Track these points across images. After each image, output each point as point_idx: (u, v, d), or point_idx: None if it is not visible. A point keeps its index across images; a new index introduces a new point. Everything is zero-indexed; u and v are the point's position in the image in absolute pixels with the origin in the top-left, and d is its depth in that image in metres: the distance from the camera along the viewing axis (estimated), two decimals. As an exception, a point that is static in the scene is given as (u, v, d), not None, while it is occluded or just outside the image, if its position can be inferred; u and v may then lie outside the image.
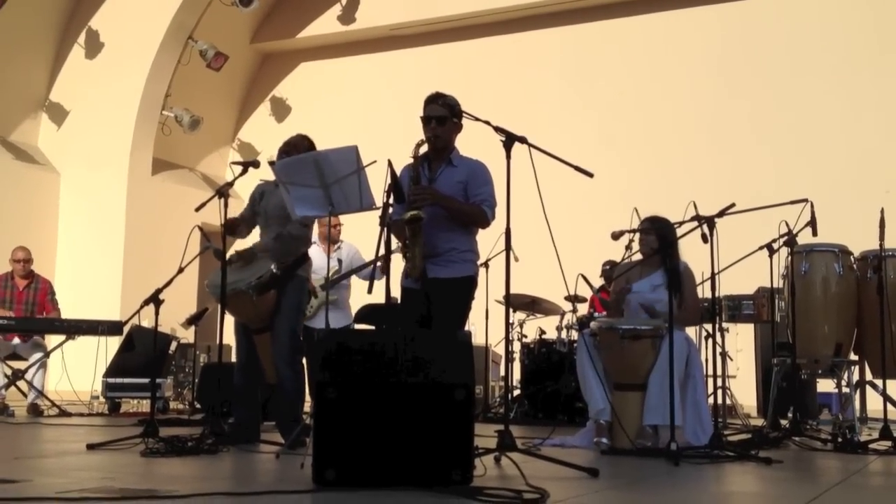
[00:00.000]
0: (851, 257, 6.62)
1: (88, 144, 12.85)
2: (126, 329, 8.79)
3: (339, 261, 7.35)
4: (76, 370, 8.87)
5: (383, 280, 4.64)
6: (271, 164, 5.08)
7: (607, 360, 5.74)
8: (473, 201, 4.78)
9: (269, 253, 5.49)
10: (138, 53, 12.70)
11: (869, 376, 6.77)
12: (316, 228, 6.73)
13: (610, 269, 8.63)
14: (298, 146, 5.46)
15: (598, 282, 8.83)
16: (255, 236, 5.87)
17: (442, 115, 4.75)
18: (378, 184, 4.59)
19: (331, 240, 7.25)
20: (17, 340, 8.65)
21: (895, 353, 6.20)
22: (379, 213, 4.52)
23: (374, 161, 4.71)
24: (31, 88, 12.95)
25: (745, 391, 8.88)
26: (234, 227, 5.57)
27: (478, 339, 8.35)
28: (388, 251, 4.56)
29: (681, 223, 5.65)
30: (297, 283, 5.58)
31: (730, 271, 6.04)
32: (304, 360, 6.21)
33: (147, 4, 12.69)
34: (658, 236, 5.87)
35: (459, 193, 4.79)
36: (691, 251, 5.82)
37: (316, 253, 6.55)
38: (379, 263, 4.77)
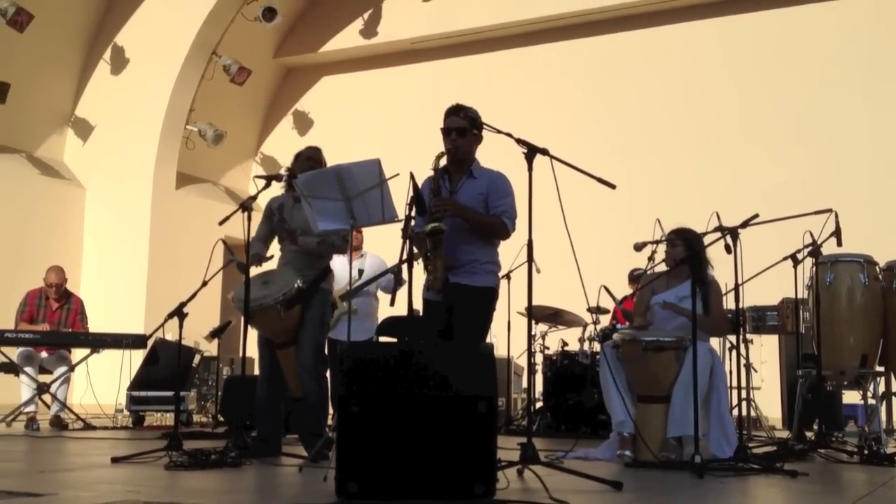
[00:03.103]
0: (877, 267, 6.56)
1: (113, 159, 12.96)
2: (150, 342, 8.84)
3: (360, 271, 7.29)
4: (101, 383, 8.93)
5: (405, 292, 4.63)
6: (293, 177, 5.11)
7: (630, 372, 5.71)
8: (494, 213, 4.77)
9: (306, 256, 5.55)
10: (163, 69, 12.81)
11: (895, 387, 6.71)
12: None
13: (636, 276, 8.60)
14: (320, 160, 5.52)
15: (622, 291, 8.80)
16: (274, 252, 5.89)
17: (462, 127, 4.75)
18: (400, 196, 4.60)
19: (353, 247, 7.24)
20: (44, 354, 8.70)
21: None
22: (401, 225, 4.54)
23: (397, 174, 4.72)
24: (57, 104, 13.09)
25: (769, 403, 8.82)
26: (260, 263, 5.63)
27: (500, 351, 8.33)
28: (401, 261, 4.56)
29: (704, 234, 5.65)
30: (321, 296, 5.63)
31: (754, 282, 6.01)
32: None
33: (171, 20, 12.80)
34: (686, 247, 5.83)
35: (480, 205, 4.78)
36: (715, 262, 5.81)
37: (337, 262, 6.53)
38: (394, 272, 4.77)
